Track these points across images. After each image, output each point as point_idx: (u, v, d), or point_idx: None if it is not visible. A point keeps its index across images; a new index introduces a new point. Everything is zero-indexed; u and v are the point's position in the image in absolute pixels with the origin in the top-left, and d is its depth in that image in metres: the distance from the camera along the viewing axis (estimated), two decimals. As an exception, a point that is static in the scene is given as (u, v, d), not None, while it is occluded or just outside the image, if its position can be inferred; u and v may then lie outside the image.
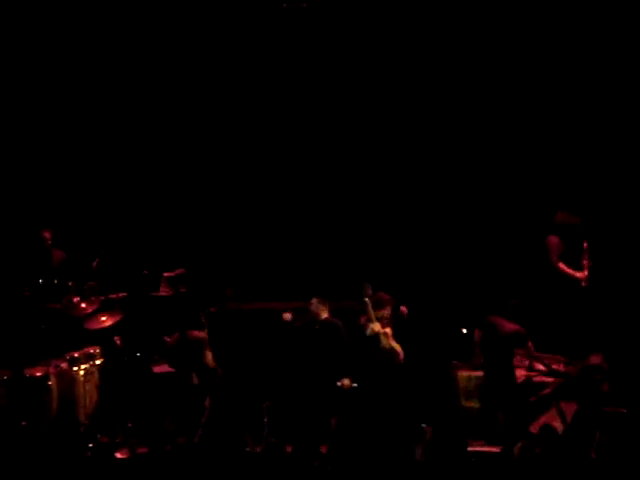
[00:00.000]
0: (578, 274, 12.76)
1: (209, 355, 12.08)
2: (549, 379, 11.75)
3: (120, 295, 12.74)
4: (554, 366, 11.84)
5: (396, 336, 12.11)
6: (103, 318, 12.41)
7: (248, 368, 12.66)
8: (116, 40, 14.23)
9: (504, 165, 14.20)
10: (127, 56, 14.33)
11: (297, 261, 14.26)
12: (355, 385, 11.85)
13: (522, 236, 13.95)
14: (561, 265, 12.81)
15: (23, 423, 11.52)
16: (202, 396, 11.88)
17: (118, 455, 10.80)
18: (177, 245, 14.05)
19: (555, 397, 11.16)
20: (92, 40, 14.22)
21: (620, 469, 8.74)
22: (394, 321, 12.19)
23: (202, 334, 12.16)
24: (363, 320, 12.07)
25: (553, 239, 12.86)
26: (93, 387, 12.19)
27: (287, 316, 12.38)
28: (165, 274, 12.94)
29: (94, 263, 13.01)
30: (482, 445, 10.90)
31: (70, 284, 12.62)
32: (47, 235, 12.97)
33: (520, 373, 11.79)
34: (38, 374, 11.85)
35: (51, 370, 11.91)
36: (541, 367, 11.89)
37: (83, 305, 12.52)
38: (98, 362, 12.28)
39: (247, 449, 10.48)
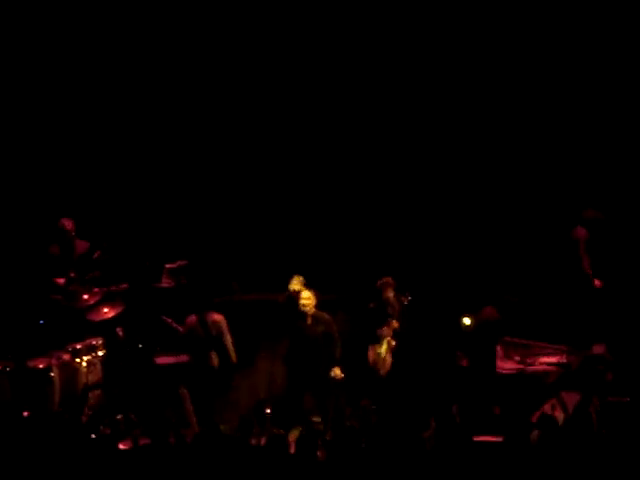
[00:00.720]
0: (596, 281, 12.69)
1: (229, 337, 12.06)
2: (548, 369, 11.76)
3: (122, 286, 12.74)
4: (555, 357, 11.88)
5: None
6: (105, 309, 12.42)
7: (252, 359, 12.69)
8: (116, 40, 14.22)
9: (504, 162, 14.19)
10: (127, 56, 14.33)
11: (298, 252, 14.26)
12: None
13: (525, 227, 13.96)
14: (586, 260, 12.76)
15: (25, 414, 11.53)
16: (222, 379, 11.88)
17: (121, 446, 10.80)
18: (179, 236, 14.05)
19: (556, 387, 11.16)
20: (92, 40, 14.21)
21: (623, 458, 8.73)
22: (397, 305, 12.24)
23: (221, 316, 12.14)
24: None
25: (581, 231, 12.82)
26: (95, 378, 12.19)
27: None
28: (167, 265, 12.93)
29: (96, 254, 12.98)
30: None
31: (72, 275, 12.61)
32: (68, 225, 12.88)
33: (513, 365, 11.80)
34: (41, 366, 11.86)
35: (54, 362, 11.91)
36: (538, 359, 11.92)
37: (85, 296, 12.52)
38: (100, 353, 12.27)
39: (251, 441, 10.49)
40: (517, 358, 11.97)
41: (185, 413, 11.66)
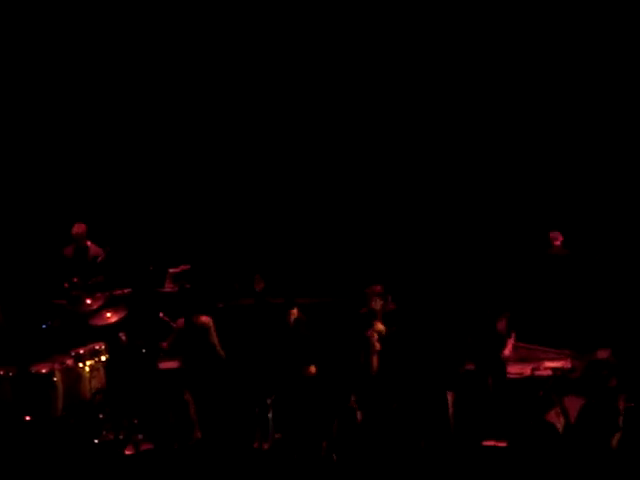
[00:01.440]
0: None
1: (215, 339, 12.05)
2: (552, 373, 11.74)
3: (125, 291, 12.74)
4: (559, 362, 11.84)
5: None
6: (108, 314, 12.42)
7: (255, 363, 12.65)
8: (116, 40, 14.23)
9: (501, 168, 14.18)
10: (128, 56, 14.33)
11: (302, 257, 14.26)
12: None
13: (526, 234, 13.95)
14: None
15: (27, 418, 11.53)
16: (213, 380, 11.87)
17: (125, 452, 10.81)
18: (182, 241, 14.05)
19: (560, 392, 11.11)
20: (92, 40, 14.22)
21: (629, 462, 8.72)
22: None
23: (208, 318, 12.15)
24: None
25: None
26: (98, 383, 12.17)
27: None
28: (170, 270, 12.92)
29: (99, 259, 12.98)
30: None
31: (75, 280, 12.60)
32: (78, 230, 12.92)
33: (524, 369, 11.77)
34: (44, 370, 11.84)
35: (56, 366, 11.89)
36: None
37: (89, 301, 12.51)
38: (103, 358, 12.26)
39: (254, 445, 10.47)
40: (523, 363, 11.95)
41: (189, 418, 11.64)
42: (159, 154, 14.56)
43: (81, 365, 12.06)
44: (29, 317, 12.60)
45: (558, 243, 13.19)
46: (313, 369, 11.97)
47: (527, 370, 11.81)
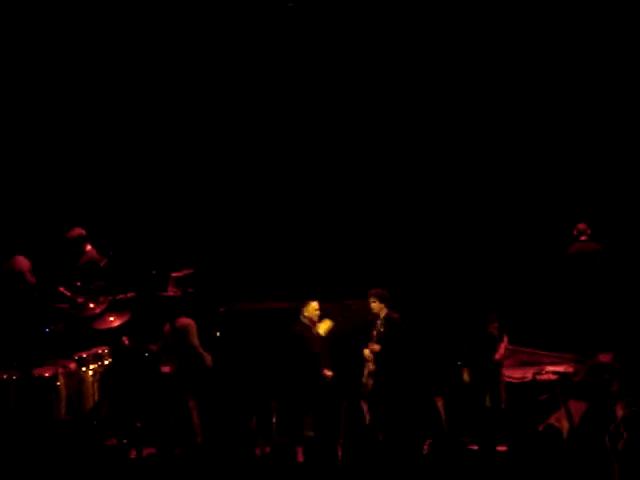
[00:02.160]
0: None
1: (196, 340, 12.07)
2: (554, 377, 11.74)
3: (128, 295, 12.74)
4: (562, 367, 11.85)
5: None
6: (111, 318, 12.41)
7: (257, 367, 12.66)
8: (116, 40, 14.22)
9: (502, 170, 14.17)
10: (128, 56, 14.33)
11: (302, 261, 14.26)
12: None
13: (530, 236, 13.95)
14: None
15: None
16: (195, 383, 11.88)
17: (127, 455, 10.81)
18: (185, 245, 14.05)
19: (563, 396, 11.11)
20: (92, 40, 14.21)
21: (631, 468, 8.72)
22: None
23: (189, 320, 12.17)
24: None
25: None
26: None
27: None
28: (173, 274, 12.92)
29: (102, 263, 12.99)
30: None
31: (78, 284, 12.61)
32: (72, 234, 12.96)
33: (526, 373, 11.77)
34: (47, 374, 11.85)
35: (60, 370, 11.90)
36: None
37: (91, 305, 12.51)
38: (107, 362, 12.26)
39: (256, 450, 10.47)
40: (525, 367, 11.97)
41: (191, 424, 11.64)
42: (161, 158, 14.57)
43: (84, 369, 12.06)
44: (32, 321, 12.59)
45: (585, 238, 13.09)
46: (330, 373, 11.98)
47: (529, 375, 11.83)
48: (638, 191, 13.68)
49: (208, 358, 12.02)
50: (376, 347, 11.96)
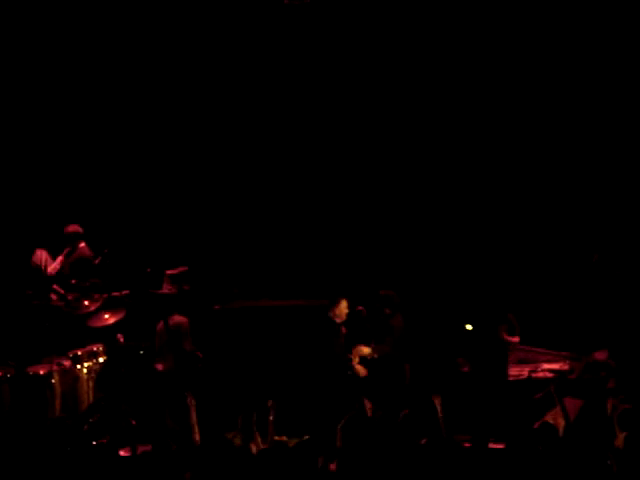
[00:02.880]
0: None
1: (188, 339, 12.05)
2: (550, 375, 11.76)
3: (123, 293, 12.73)
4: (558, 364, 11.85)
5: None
6: (106, 316, 12.40)
7: (252, 366, 12.65)
8: (116, 40, 14.20)
9: (503, 167, 14.17)
10: (127, 56, 14.31)
11: (299, 259, 14.25)
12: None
13: (527, 233, 13.95)
14: None
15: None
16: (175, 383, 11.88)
17: (121, 453, 10.77)
18: (180, 243, 14.04)
19: (559, 394, 11.13)
20: (92, 40, 14.19)
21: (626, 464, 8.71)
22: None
23: (183, 318, 12.15)
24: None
25: None
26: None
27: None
28: (168, 272, 12.91)
29: (97, 261, 12.98)
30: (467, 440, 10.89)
31: (73, 282, 12.60)
32: (72, 229, 12.95)
33: (522, 371, 11.78)
34: (41, 372, 11.84)
35: (54, 368, 11.88)
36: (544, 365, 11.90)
37: (86, 303, 12.51)
38: (101, 360, 12.25)
39: (252, 447, 10.45)
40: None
41: (189, 422, 11.63)
42: (156, 156, 14.54)
43: (79, 367, 12.05)
44: (27, 318, 12.57)
45: None
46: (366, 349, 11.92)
47: (525, 372, 11.84)
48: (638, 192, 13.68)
49: (199, 356, 12.03)
50: (365, 350, 11.99)
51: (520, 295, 12.94)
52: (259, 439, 10.14)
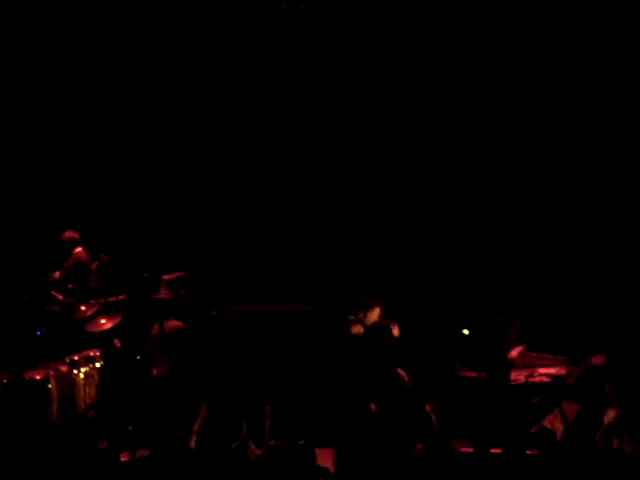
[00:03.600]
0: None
1: (184, 344, 12.06)
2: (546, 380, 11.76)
3: (120, 298, 12.73)
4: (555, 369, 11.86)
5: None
6: (103, 321, 12.42)
7: (249, 371, 12.65)
8: (116, 41, 14.20)
9: (500, 173, 14.19)
10: (127, 58, 14.31)
11: (296, 264, 14.26)
12: None
13: (522, 236, 13.96)
14: None
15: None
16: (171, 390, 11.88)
17: (119, 458, 10.77)
18: (177, 248, 14.04)
19: (557, 398, 11.13)
20: (92, 40, 14.19)
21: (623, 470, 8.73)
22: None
23: (179, 323, 12.15)
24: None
25: None
26: (93, 390, 12.16)
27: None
28: (165, 277, 12.91)
29: (94, 266, 12.98)
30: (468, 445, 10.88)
31: (70, 287, 12.61)
32: (68, 235, 12.95)
33: (519, 375, 11.79)
34: (38, 377, 11.83)
35: (51, 373, 11.87)
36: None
37: (83, 308, 12.51)
38: (98, 365, 12.25)
39: (249, 453, 10.44)
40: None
41: (190, 428, 11.63)
42: (153, 161, 14.55)
43: (76, 372, 12.05)
44: (23, 324, 12.57)
45: None
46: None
47: (521, 377, 11.83)
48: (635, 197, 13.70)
49: (195, 362, 12.05)
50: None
51: (517, 300, 12.93)
52: (252, 446, 10.12)
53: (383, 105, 14.33)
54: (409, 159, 14.35)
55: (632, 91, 13.58)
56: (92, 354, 12.24)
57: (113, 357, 12.34)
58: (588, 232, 13.44)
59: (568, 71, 13.82)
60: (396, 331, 12.07)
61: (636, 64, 13.56)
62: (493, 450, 10.38)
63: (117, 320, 12.42)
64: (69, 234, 13.06)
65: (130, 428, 11.77)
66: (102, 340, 12.37)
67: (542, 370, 11.90)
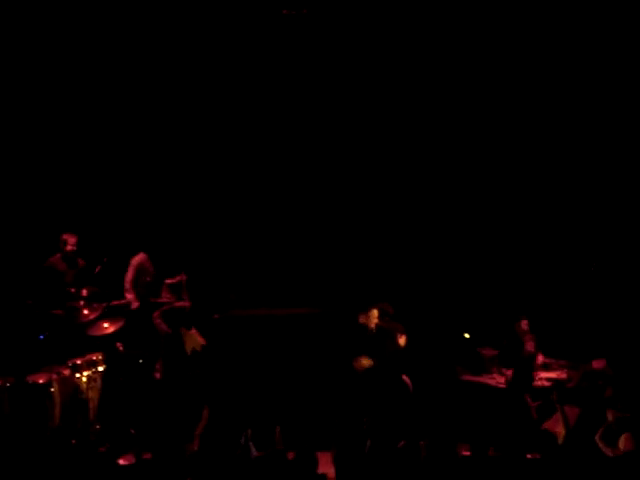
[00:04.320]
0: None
1: (186, 347, 12.11)
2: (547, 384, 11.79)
3: (122, 302, 12.77)
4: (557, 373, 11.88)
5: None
6: (105, 325, 12.43)
7: (251, 374, 12.68)
8: (116, 43, 14.23)
9: (501, 177, 14.21)
10: (130, 61, 14.34)
11: (299, 267, 14.28)
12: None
13: (524, 242, 13.98)
14: None
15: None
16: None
17: (121, 462, 10.80)
18: (179, 251, 14.05)
19: (559, 402, 11.16)
20: (92, 41, 14.21)
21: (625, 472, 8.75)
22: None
23: (186, 303, 12.18)
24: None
25: None
26: (96, 394, 12.18)
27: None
28: (167, 281, 12.95)
29: (96, 270, 13.00)
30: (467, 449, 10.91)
31: (72, 291, 12.63)
32: (69, 239, 12.99)
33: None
34: (41, 381, 11.83)
35: (54, 377, 11.90)
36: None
37: (85, 312, 12.53)
38: (101, 369, 12.27)
39: (250, 455, 10.47)
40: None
41: (193, 431, 11.67)
42: (155, 164, 14.57)
43: (78, 375, 12.07)
44: (26, 327, 12.59)
45: None
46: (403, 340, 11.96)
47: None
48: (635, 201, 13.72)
49: (198, 365, 12.08)
50: (366, 362, 12.01)
51: (518, 304, 12.96)
52: (254, 450, 10.17)
53: (386, 110, 14.36)
54: (412, 164, 14.38)
55: (634, 93, 13.60)
56: (95, 358, 12.25)
57: (116, 361, 12.36)
58: (589, 237, 13.46)
59: (568, 71, 13.85)
60: (402, 341, 12.13)
61: (636, 64, 13.58)
62: (493, 453, 10.40)
63: (120, 324, 12.45)
64: (74, 238, 13.07)
65: (133, 432, 11.81)
66: (105, 344, 12.40)
67: (543, 374, 11.94)
